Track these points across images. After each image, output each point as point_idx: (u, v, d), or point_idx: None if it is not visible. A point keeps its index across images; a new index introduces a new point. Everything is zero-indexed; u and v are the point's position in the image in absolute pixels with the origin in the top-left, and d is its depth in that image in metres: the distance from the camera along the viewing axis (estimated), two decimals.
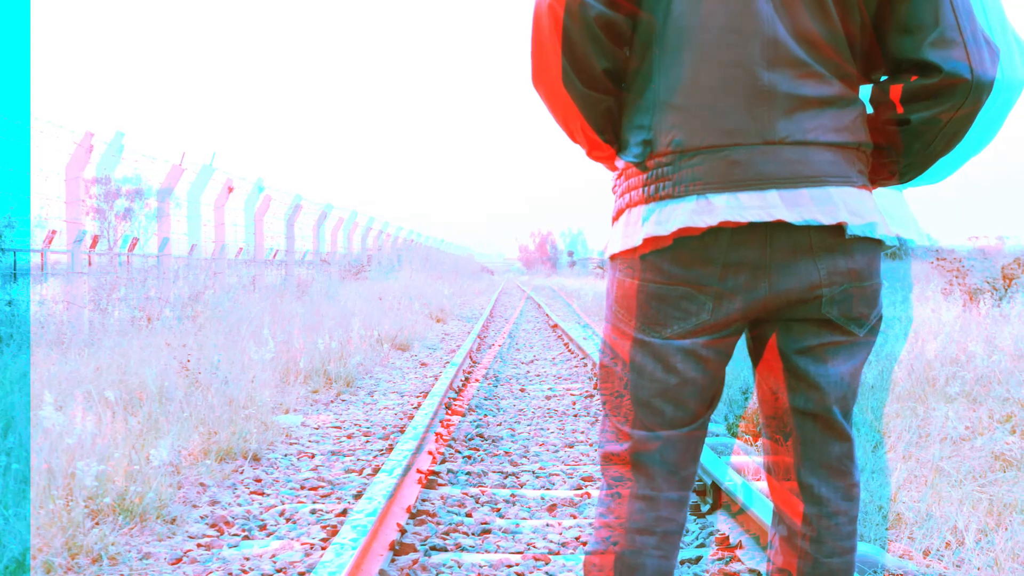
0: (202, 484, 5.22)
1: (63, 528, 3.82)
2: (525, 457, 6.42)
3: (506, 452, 6.56)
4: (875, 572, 3.86)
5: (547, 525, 4.70)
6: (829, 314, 2.11)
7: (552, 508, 5.03)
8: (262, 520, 4.69)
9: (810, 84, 2.04)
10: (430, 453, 6.24)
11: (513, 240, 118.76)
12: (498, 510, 5.03)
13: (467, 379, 10.47)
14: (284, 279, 19.09)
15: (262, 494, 5.20)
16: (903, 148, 2.13)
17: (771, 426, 2.24)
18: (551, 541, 4.44)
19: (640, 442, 2.16)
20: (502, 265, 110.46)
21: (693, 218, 2.01)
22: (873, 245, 2.12)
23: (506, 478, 5.78)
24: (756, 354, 2.23)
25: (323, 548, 4.17)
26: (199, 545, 4.26)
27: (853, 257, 2.09)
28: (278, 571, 3.92)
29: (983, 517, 4.39)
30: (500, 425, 7.67)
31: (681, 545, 4.41)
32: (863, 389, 7.85)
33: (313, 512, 4.83)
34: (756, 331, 2.20)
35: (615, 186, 2.21)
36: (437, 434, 6.89)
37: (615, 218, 2.19)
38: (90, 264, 16.90)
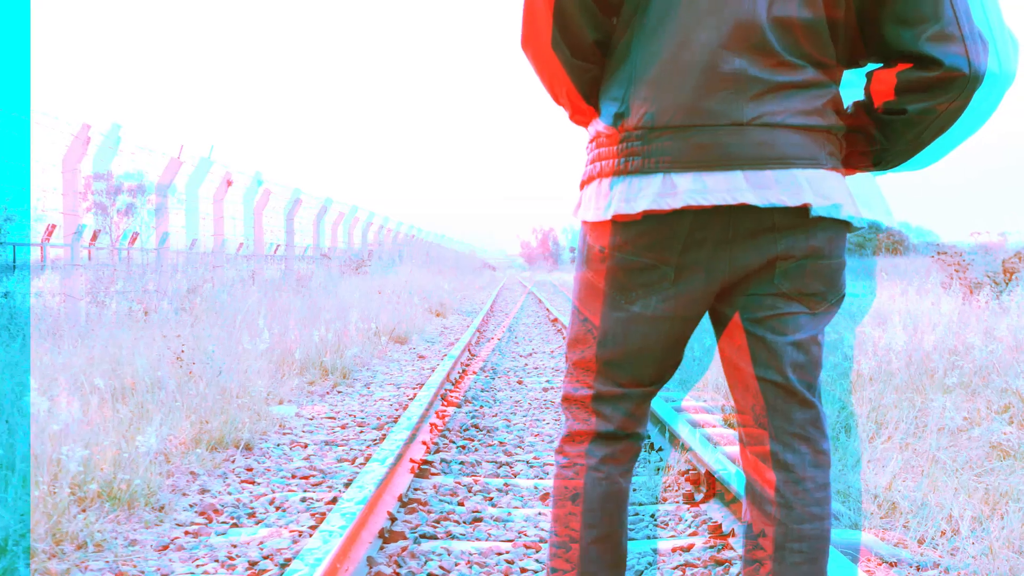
0: (192, 473, 5.19)
1: (47, 514, 3.78)
2: (520, 447, 6.38)
3: (501, 442, 6.53)
4: (869, 560, 3.83)
5: (539, 514, 4.66)
6: (782, 287, 2.17)
7: (545, 497, 5.00)
8: (251, 508, 4.65)
9: (782, 71, 2.08)
10: (424, 443, 6.21)
11: (515, 236, 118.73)
12: (491, 499, 4.99)
13: (464, 371, 10.43)
14: (283, 273, 19.05)
15: (253, 483, 5.17)
16: (894, 137, 2.18)
17: (741, 397, 2.28)
18: (542, 530, 4.40)
19: (600, 392, 2.29)
20: (504, 261, 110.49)
21: (658, 200, 2.07)
22: (837, 225, 2.17)
23: (500, 468, 5.75)
24: (719, 326, 2.29)
25: (311, 536, 4.13)
26: (187, 533, 4.22)
27: (815, 235, 2.14)
28: (265, 558, 3.88)
29: (978, 505, 4.35)
30: (496, 416, 7.63)
31: (673, 534, 4.38)
32: (861, 381, 7.81)
33: (303, 500, 4.79)
34: (718, 304, 2.26)
35: (588, 148, 2.25)
36: (432, 424, 6.85)
37: (585, 182, 2.24)
38: (90, 258, 16.87)
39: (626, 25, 2.15)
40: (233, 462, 5.57)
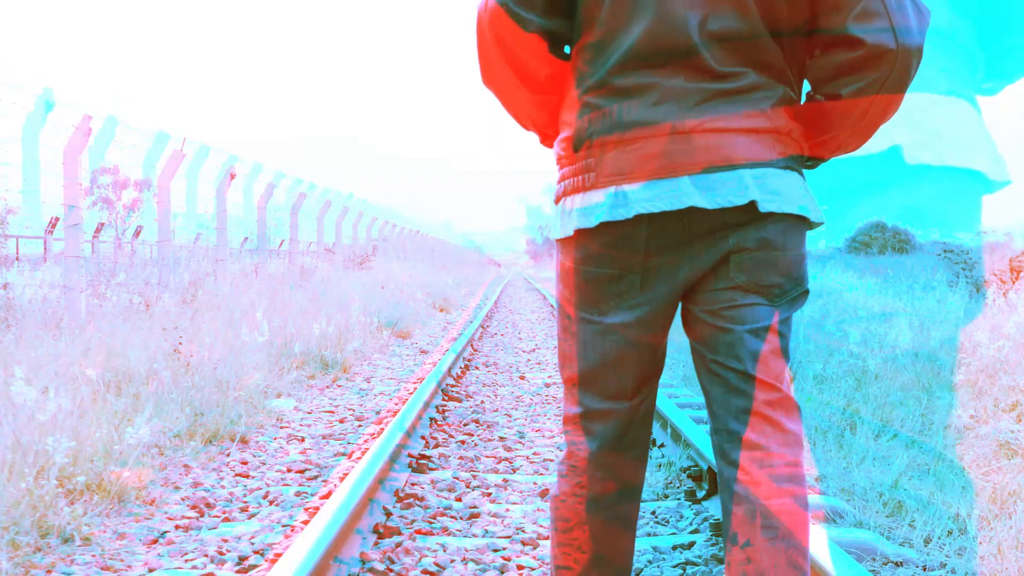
0: (186, 466, 5.10)
1: (33, 506, 3.69)
2: (520, 443, 6.29)
3: (501, 438, 6.44)
4: (874, 559, 3.74)
5: (538, 510, 4.58)
6: (737, 279, 2.21)
7: (544, 493, 4.91)
8: (245, 502, 4.57)
9: (721, 81, 2.13)
10: (423, 438, 6.13)
11: (521, 233, 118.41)
12: (489, 495, 4.90)
13: (467, 366, 10.35)
14: (287, 268, 18.96)
15: (247, 476, 5.08)
16: (838, 122, 2.20)
17: (707, 385, 2.32)
18: (541, 526, 4.32)
19: (590, 408, 2.33)
20: (510, 258, 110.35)
21: (611, 212, 2.15)
22: (790, 219, 2.19)
23: (499, 463, 5.66)
24: (685, 322, 2.34)
25: (303, 530, 4.05)
26: (177, 527, 4.14)
27: (765, 228, 2.17)
28: (256, 552, 3.80)
29: (986, 504, 4.26)
30: (497, 411, 7.55)
31: (674, 531, 4.29)
32: (867, 377, 7.72)
33: (298, 495, 4.71)
34: (684, 302, 2.31)
35: (557, 169, 2.34)
36: (432, 419, 6.77)
37: (556, 202, 2.34)
38: (93, 252, 16.77)
39: (577, 54, 2.25)
40: (228, 455, 5.48)
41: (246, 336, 7.86)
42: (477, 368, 10.33)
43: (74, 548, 3.73)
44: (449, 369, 9.12)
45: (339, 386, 8.65)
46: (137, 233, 20.27)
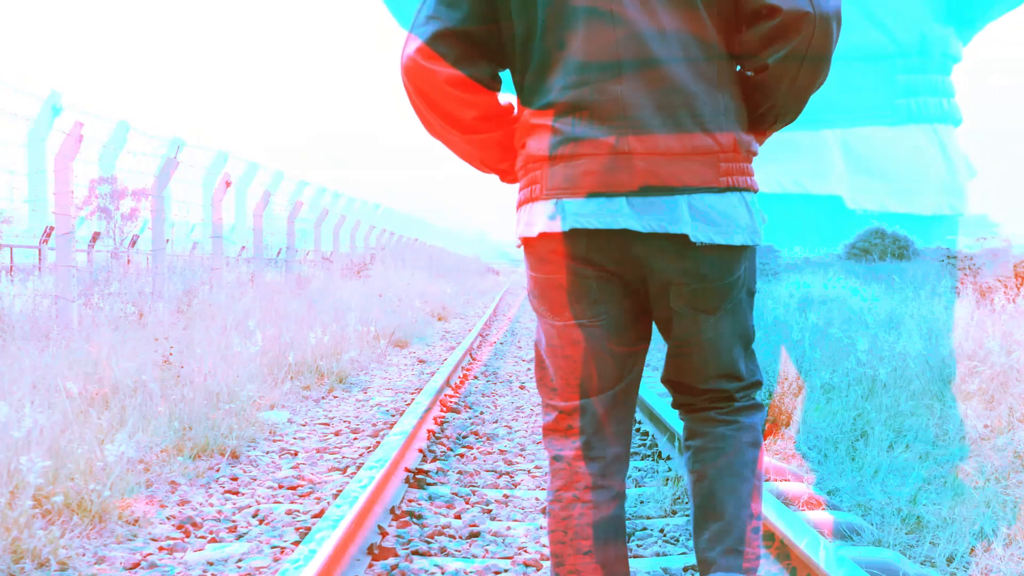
0: (172, 482, 4.89)
1: (7, 528, 3.49)
2: (521, 455, 6.09)
3: (501, 450, 6.24)
4: None
5: (540, 528, 4.37)
6: (676, 306, 2.31)
7: (546, 509, 4.70)
8: (233, 521, 4.36)
9: (663, 96, 2.17)
10: (420, 451, 5.92)
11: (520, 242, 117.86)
12: (489, 511, 4.70)
13: (465, 376, 10.14)
14: (284, 276, 18.75)
15: (237, 493, 4.87)
16: (771, 92, 2.25)
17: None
18: (543, 545, 4.11)
19: (565, 410, 2.40)
20: (508, 266, 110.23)
21: (549, 223, 2.24)
22: (725, 249, 2.26)
23: (499, 477, 5.46)
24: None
25: (293, 552, 3.84)
26: (161, 548, 3.93)
27: (701, 262, 2.25)
28: None
29: (1011, 520, 4.06)
30: (496, 422, 7.35)
31: (684, 551, 4.09)
32: (876, 387, 7.52)
33: (289, 513, 4.50)
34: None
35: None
36: (429, 431, 6.57)
37: (516, 211, 2.42)
38: (89, 261, 16.57)
39: (523, 79, 2.31)
40: (217, 471, 5.27)
41: (239, 346, 7.65)
42: (476, 378, 10.12)
43: (49, 573, 3.51)
44: (447, 379, 8.92)
45: (335, 397, 8.44)
46: (133, 242, 20.07)
